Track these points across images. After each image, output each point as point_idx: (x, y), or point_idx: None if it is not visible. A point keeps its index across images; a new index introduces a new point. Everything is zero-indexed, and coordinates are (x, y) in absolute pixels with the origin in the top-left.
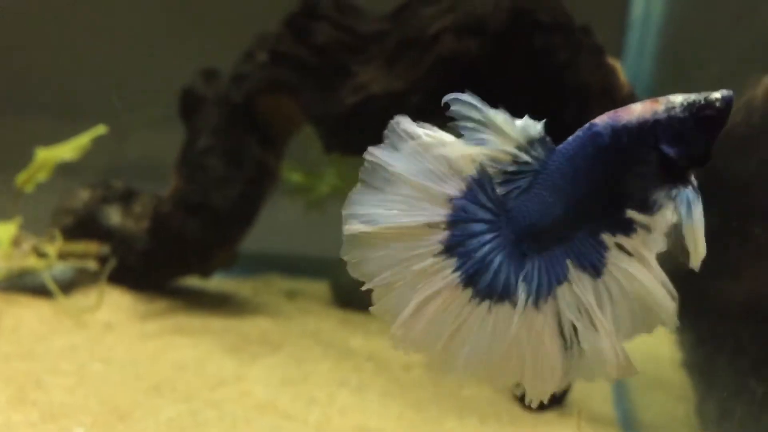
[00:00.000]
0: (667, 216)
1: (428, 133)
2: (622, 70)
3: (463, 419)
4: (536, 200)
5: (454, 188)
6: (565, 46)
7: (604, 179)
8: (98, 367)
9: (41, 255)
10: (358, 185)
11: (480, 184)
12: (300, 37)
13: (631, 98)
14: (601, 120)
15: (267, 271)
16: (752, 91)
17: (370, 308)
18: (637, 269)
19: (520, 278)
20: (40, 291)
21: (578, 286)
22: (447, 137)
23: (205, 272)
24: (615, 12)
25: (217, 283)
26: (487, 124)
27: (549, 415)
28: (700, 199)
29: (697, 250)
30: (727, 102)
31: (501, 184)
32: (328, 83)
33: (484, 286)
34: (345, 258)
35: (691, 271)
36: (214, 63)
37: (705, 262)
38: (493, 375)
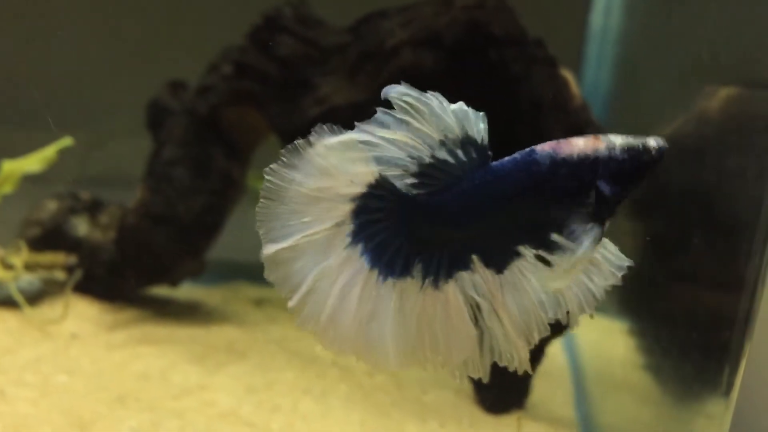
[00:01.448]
0: (580, 248)
1: (334, 139)
2: (574, 81)
3: (424, 423)
4: (450, 201)
5: (355, 186)
6: (519, 59)
7: (532, 203)
8: (63, 379)
9: (8, 267)
10: (261, 204)
11: (380, 179)
12: (263, 50)
13: (583, 109)
14: (542, 149)
15: (235, 279)
16: (706, 103)
17: (296, 323)
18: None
19: (418, 259)
20: (6, 302)
21: (481, 275)
22: (347, 137)
23: (173, 282)
24: (575, 24)
25: (186, 291)
26: (418, 110)
27: (509, 419)
28: (600, 242)
29: (563, 279)
30: (661, 151)
31: (413, 175)
32: (292, 95)
33: (385, 264)
34: (270, 279)
35: (652, 276)
36: (183, 74)
37: (663, 269)
38: (415, 353)
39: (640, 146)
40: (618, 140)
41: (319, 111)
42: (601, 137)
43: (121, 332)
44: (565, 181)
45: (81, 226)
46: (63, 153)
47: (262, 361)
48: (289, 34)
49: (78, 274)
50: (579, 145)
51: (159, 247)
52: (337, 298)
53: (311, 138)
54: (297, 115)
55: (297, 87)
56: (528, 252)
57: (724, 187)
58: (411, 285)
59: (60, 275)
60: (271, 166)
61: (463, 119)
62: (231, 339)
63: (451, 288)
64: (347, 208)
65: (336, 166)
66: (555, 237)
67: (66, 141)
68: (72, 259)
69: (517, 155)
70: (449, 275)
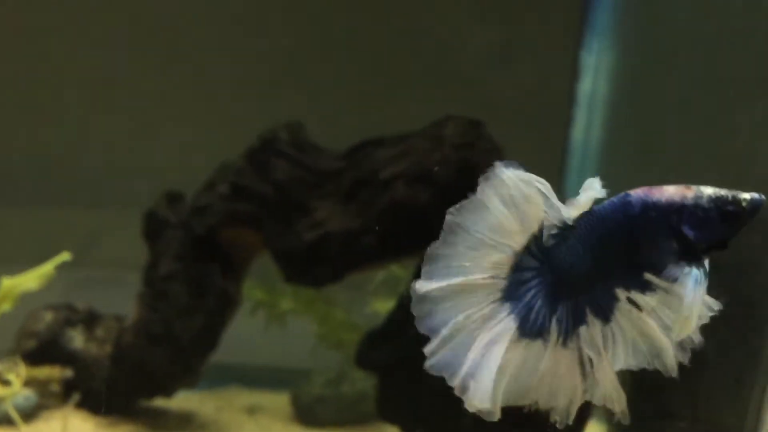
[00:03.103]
0: (677, 287)
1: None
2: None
3: None
4: (571, 252)
5: (518, 242)
6: None
7: (629, 244)
8: None
9: (4, 383)
10: (439, 241)
11: (537, 236)
12: (260, 172)
13: None
14: (635, 193)
15: (229, 383)
16: None
17: (425, 365)
18: (644, 318)
19: (554, 320)
20: (1, 421)
21: (593, 328)
22: (534, 194)
23: (169, 395)
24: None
25: (180, 400)
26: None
27: None
28: (706, 281)
29: (685, 326)
30: (754, 204)
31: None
32: (287, 218)
33: (527, 326)
34: (414, 312)
35: None
36: None
37: None
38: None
39: (730, 197)
40: (708, 190)
41: (315, 235)
42: (693, 187)
43: None
44: (654, 222)
45: (77, 339)
46: None
47: None
48: (284, 158)
49: (77, 397)
50: (669, 191)
51: (156, 367)
52: (480, 353)
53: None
54: (292, 238)
55: (292, 210)
56: (623, 295)
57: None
58: (540, 345)
59: (55, 387)
60: (452, 209)
61: None
62: None
63: (574, 345)
64: (509, 262)
65: (516, 197)
66: (650, 277)
67: (64, 256)
68: (68, 373)
69: (614, 198)
70: (573, 331)
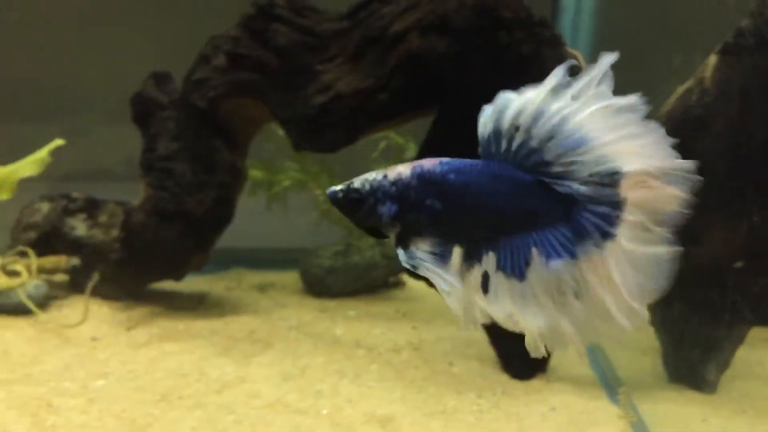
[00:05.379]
0: None
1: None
2: (582, 58)
3: (461, 395)
4: None
5: None
6: (528, 40)
7: None
8: (100, 383)
9: (11, 273)
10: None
11: None
12: (258, 40)
13: None
14: None
15: (234, 266)
16: (701, 73)
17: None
18: None
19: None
20: (14, 311)
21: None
22: None
23: (179, 277)
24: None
25: (189, 283)
26: None
27: (536, 383)
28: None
29: None
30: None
31: None
32: (293, 84)
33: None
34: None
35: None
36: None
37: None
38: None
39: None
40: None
41: (324, 100)
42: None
43: (140, 330)
44: None
45: (79, 227)
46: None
47: (288, 347)
48: (282, 23)
49: (96, 278)
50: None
51: (170, 244)
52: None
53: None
54: (301, 104)
55: (297, 76)
56: None
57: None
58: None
59: (61, 277)
60: None
61: None
62: (250, 328)
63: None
64: None
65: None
66: None
67: (58, 141)
68: (75, 261)
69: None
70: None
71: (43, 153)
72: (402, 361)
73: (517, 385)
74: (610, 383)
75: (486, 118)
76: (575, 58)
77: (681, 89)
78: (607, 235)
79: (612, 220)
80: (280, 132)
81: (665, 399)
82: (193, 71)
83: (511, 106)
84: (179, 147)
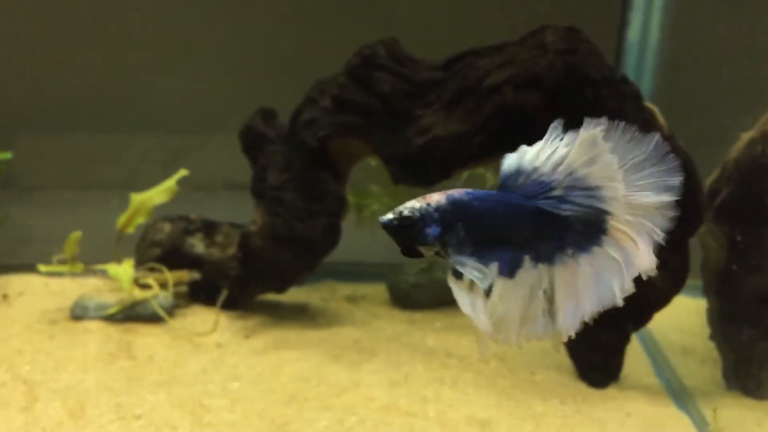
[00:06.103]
0: None
1: None
2: (658, 112)
3: (546, 401)
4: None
5: None
6: (612, 96)
7: None
8: (236, 385)
9: (143, 286)
10: None
11: None
12: (363, 86)
13: (671, 138)
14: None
15: (326, 279)
16: (762, 126)
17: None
18: None
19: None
20: (150, 319)
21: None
22: None
23: (283, 290)
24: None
25: (289, 295)
26: None
27: (611, 390)
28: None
29: None
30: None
31: None
32: (394, 125)
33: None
34: None
35: (727, 267)
36: None
37: (735, 262)
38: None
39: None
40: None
41: (424, 141)
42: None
43: (258, 338)
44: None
45: (198, 245)
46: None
47: (389, 356)
48: (385, 71)
49: (225, 292)
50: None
51: (283, 264)
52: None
53: None
54: (401, 144)
55: (398, 119)
56: None
57: None
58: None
59: (181, 289)
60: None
61: None
62: (354, 338)
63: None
64: None
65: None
66: None
67: (183, 172)
68: (195, 276)
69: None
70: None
71: (171, 182)
72: (491, 371)
73: (594, 393)
74: (676, 391)
75: (510, 160)
76: (653, 112)
77: (746, 137)
78: (583, 249)
79: (593, 240)
80: (372, 162)
81: (724, 405)
82: (301, 112)
83: (529, 153)
84: (288, 178)
